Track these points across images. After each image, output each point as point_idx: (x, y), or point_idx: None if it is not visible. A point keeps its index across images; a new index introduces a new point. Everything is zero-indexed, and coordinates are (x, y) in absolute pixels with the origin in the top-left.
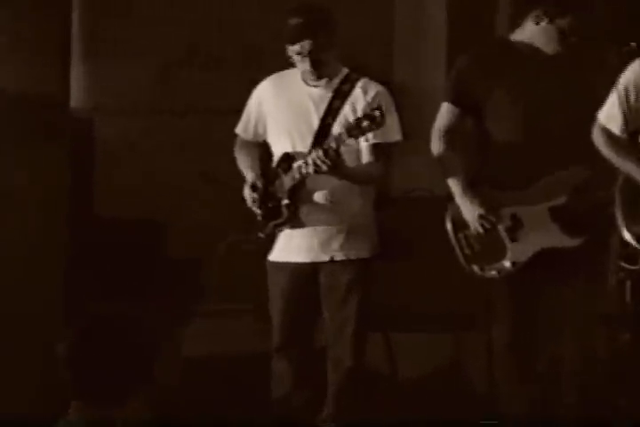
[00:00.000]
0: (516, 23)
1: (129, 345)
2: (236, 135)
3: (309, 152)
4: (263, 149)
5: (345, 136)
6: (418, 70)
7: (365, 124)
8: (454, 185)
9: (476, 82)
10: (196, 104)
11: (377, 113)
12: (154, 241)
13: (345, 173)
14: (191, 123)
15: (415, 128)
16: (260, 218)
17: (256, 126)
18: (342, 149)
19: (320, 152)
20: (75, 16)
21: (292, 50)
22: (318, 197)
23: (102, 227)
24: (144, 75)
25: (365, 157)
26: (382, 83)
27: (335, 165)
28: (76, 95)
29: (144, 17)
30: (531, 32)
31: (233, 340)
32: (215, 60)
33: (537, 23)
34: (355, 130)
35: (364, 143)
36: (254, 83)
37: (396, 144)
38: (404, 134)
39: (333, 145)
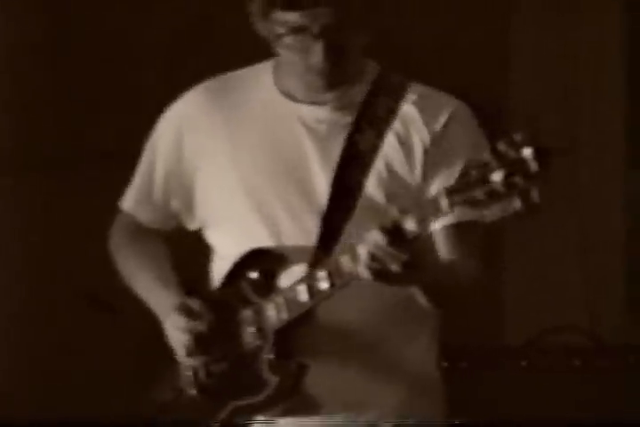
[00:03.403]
0: None
1: None
2: (117, 215)
3: (320, 246)
4: (171, 243)
5: (434, 215)
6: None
7: (518, 179)
8: None
9: None
10: (85, 146)
11: (533, 163)
12: None
13: (436, 277)
14: (73, 182)
15: (565, 199)
16: (204, 394)
17: (167, 195)
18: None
19: (380, 236)
20: None
21: (287, 21)
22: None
23: None
24: None
25: (443, 252)
26: (456, 93)
27: (414, 260)
28: None
29: None
30: None
31: None
32: (121, 55)
33: None
34: (483, 201)
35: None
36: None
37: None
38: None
39: (412, 228)
